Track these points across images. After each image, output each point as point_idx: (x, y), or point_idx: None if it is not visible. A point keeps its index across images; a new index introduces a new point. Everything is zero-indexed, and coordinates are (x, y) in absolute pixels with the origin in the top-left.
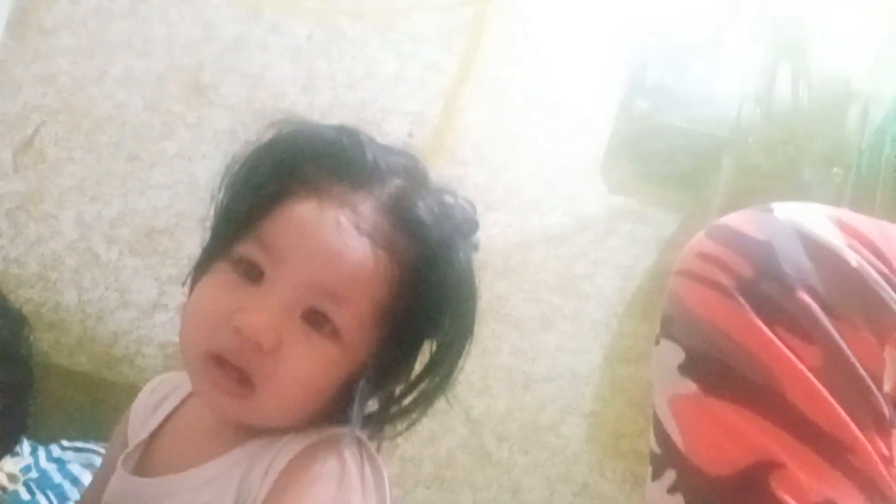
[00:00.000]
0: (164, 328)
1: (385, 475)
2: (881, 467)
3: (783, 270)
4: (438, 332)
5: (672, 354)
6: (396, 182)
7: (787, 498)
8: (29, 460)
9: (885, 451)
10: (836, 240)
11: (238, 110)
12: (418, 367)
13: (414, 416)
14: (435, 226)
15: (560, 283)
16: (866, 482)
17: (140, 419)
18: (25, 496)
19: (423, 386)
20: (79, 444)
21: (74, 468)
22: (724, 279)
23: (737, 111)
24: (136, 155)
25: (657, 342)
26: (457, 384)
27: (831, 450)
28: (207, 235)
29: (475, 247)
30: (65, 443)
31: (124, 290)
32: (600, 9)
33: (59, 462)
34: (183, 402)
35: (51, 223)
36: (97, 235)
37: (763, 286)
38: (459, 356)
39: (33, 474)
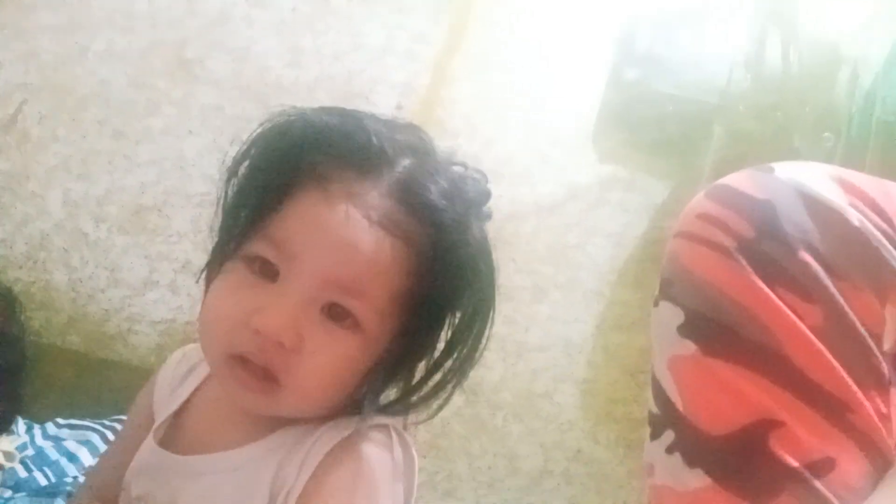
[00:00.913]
0: (156, 305)
1: (415, 461)
2: (880, 425)
3: (784, 230)
4: (459, 308)
5: (671, 316)
6: (404, 163)
7: (785, 456)
8: (24, 438)
9: (883, 409)
10: (837, 198)
11: (224, 85)
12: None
13: (446, 392)
14: (448, 208)
15: (552, 252)
16: (865, 440)
17: (167, 390)
18: (23, 473)
19: (449, 363)
20: (73, 422)
21: (70, 445)
22: (725, 240)
23: (727, 77)
24: (121, 132)
25: (656, 304)
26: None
27: (831, 408)
28: (217, 233)
29: (488, 216)
30: (60, 420)
31: (114, 268)
32: None
33: (55, 439)
34: (209, 375)
35: (37, 203)
36: (84, 214)
37: (764, 246)
38: (484, 328)
39: (29, 452)
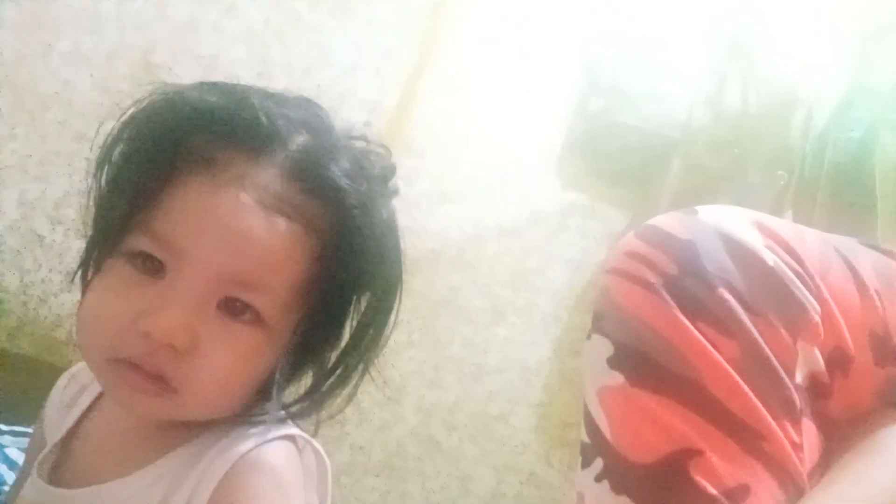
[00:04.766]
0: None
1: (328, 468)
2: (792, 453)
3: (705, 268)
4: (367, 291)
5: (602, 348)
6: (299, 141)
7: (704, 483)
8: None
9: (795, 438)
10: (754, 241)
11: None
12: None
13: (352, 381)
14: (351, 188)
15: (512, 276)
16: (778, 468)
17: (56, 417)
18: None
19: (355, 353)
20: (17, 429)
21: (12, 452)
22: (651, 276)
23: (687, 113)
24: (82, 134)
25: (588, 337)
26: (409, 375)
27: (746, 437)
28: (91, 227)
29: (395, 192)
30: (2, 427)
31: (68, 272)
32: (559, 5)
33: None
34: (99, 396)
35: None
36: (40, 216)
37: (686, 283)
38: (391, 310)
39: None
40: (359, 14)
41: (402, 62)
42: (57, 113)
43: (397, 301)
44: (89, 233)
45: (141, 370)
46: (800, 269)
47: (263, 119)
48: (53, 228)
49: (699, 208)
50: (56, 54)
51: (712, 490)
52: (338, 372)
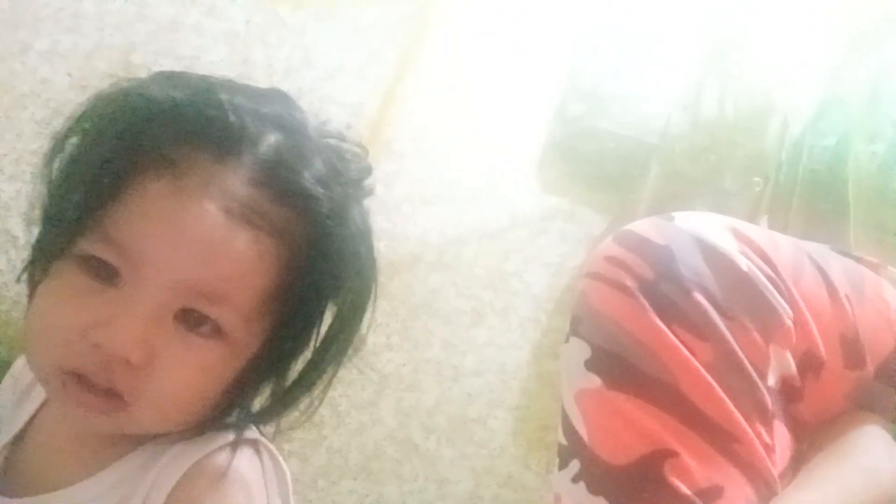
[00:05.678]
0: None
1: (287, 475)
2: (764, 455)
3: (681, 273)
4: (338, 299)
5: (579, 351)
6: (270, 140)
7: (678, 484)
8: None
9: (767, 439)
10: (729, 246)
11: None
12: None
13: (318, 389)
14: (324, 195)
15: (491, 278)
16: (750, 468)
17: (8, 411)
18: None
19: (324, 361)
20: None
21: None
22: (628, 281)
23: (665, 119)
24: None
25: (567, 340)
26: (386, 377)
27: (720, 439)
28: (42, 224)
29: (370, 192)
30: None
31: None
32: (541, 10)
33: None
34: (47, 399)
35: None
36: (14, 216)
37: (662, 287)
38: (362, 317)
39: None
40: (342, 16)
41: (384, 65)
42: (34, 112)
43: (370, 306)
44: (40, 229)
45: (90, 384)
46: (773, 275)
47: (232, 117)
48: (28, 229)
49: (676, 214)
50: (34, 53)
51: (686, 490)
52: (305, 380)
